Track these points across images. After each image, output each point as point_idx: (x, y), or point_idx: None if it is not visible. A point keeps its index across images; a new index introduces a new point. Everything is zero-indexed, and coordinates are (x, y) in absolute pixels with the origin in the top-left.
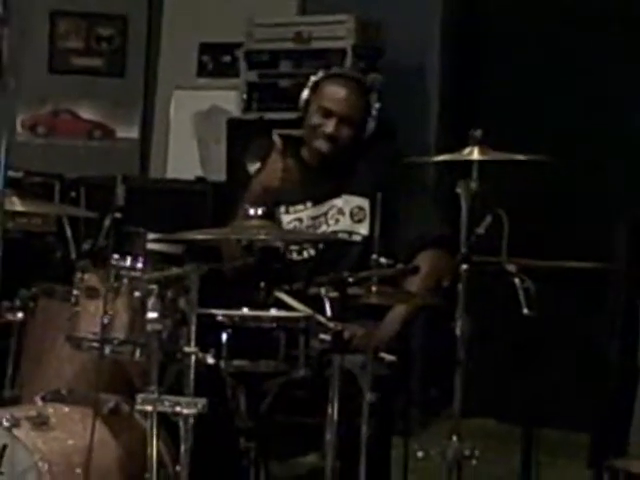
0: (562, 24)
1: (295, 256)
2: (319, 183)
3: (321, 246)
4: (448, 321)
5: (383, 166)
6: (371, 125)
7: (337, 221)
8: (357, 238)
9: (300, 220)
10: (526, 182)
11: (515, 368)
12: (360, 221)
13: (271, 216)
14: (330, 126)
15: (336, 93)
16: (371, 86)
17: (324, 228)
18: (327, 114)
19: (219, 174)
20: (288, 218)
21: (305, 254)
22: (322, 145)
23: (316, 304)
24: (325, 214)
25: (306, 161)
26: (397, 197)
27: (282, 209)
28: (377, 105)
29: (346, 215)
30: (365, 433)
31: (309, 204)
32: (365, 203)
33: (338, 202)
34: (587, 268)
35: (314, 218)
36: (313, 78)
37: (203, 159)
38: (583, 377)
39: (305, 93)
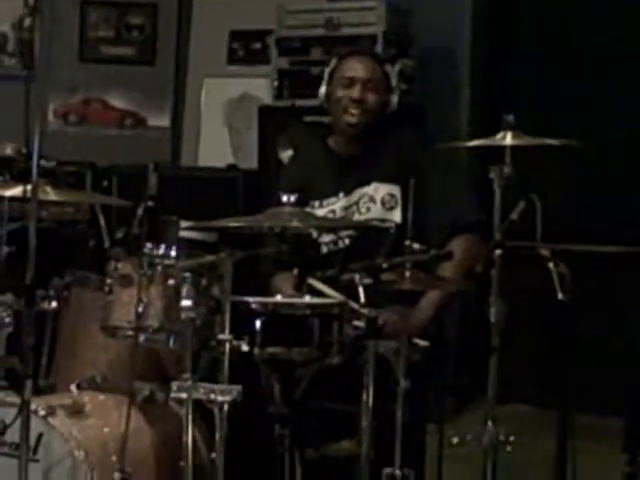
0: (594, 8)
1: (332, 247)
2: (348, 172)
3: (354, 234)
4: (482, 307)
5: (411, 151)
6: (394, 98)
7: (369, 209)
8: (390, 226)
9: (333, 212)
10: (559, 166)
11: (550, 353)
12: (392, 208)
13: (305, 204)
14: (356, 91)
15: (354, 64)
16: (384, 58)
17: (356, 217)
18: (350, 83)
19: (250, 161)
20: (322, 212)
21: (340, 244)
22: (351, 115)
23: (350, 291)
24: (357, 203)
25: (334, 151)
26: (429, 182)
27: (316, 204)
28: (398, 83)
29: (377, 203)
30: (400, 419)
31: (341, 195)
32: (396, 190)
33: (368, 190)
34: (621, 252)
35: (346, 208)
36: (327, 70)
37: (234, 147)
38: (617, 362)
39: (323, 89)
